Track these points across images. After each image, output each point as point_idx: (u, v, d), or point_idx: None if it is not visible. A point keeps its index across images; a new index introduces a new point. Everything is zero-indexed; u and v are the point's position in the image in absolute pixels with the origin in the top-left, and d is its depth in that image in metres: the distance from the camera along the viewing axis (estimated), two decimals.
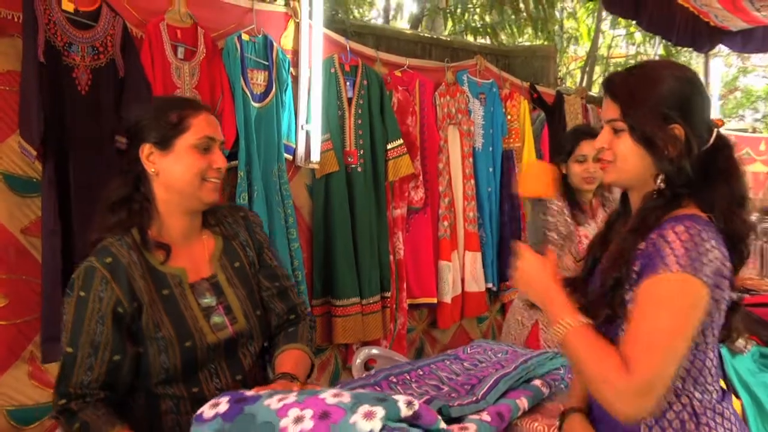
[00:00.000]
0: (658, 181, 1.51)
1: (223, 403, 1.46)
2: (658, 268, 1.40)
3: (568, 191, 3.07)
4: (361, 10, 7.70)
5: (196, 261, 1.82)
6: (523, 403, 1.76)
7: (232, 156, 3.42)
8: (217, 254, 1.85)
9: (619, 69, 1.72)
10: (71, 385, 1.64)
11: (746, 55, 12.53)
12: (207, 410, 1.46)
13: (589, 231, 2.99)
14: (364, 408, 1.33)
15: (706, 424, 1.45)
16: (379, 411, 1.32)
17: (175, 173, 1.74)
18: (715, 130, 1.54)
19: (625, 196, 1.69)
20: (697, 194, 1.50)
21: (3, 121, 2.81)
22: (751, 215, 1.54)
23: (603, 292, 1.51)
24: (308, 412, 1.36)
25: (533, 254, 1.63)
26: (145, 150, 1.74)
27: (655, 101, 1.50)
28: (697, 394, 1.47)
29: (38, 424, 2.89)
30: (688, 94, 1.51)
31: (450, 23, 7.33)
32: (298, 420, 1.35)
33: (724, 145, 1.54)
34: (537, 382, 1.87)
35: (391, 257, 4.30)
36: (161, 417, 1.74)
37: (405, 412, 1.36)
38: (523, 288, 1.62)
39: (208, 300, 1.78)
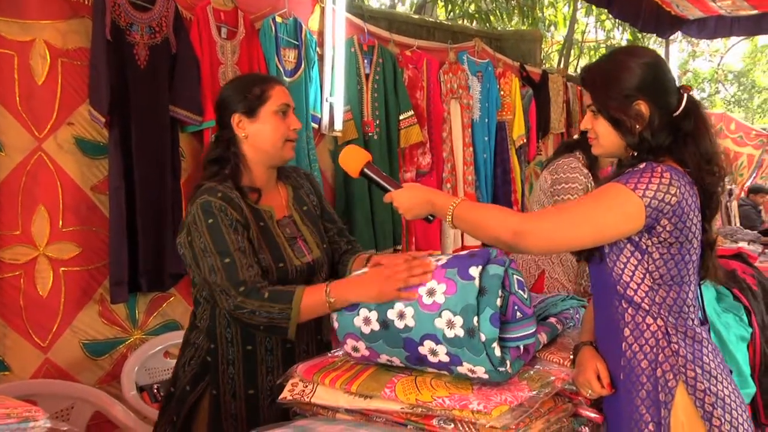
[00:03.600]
0: (630, 151, 1.57)
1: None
2: (618, 180, 1.48)
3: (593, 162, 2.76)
4: None
5: (277, 204, 1.92)
6: (543, 338, 1.77)
7: None
8: (290, 200, 1.96)
9: (592, 53, 1.74)
10: (242, 282, 1.66)
11: (695, 41, 12.54)
12: None
13: None
14: None
15: (676, 343, 1.49)
16: None
17: (263, 135, 1.84)
18: (685, 95, 1.56)
19: None
20: (671, 154, 1.53)
21: (75, 92, 2.78)
22: (720, 171, 1.54)
23: None
24: None
25: (397, 191, 1.66)
26: (236, 118, 1.84)
27: (617, 85, 1.54)
28: (671, 319, 1.51)
29: (107, 356, 2.92)
30: (647, 73, 1.54)
31: (448, 8, 7.24)
32: None
33: (694, 109, 1.56)
34: (552, 320, 1.88)
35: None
36: None
37: None
38: (410, 212, 1.64)
39: (290, 232, 1.89)
